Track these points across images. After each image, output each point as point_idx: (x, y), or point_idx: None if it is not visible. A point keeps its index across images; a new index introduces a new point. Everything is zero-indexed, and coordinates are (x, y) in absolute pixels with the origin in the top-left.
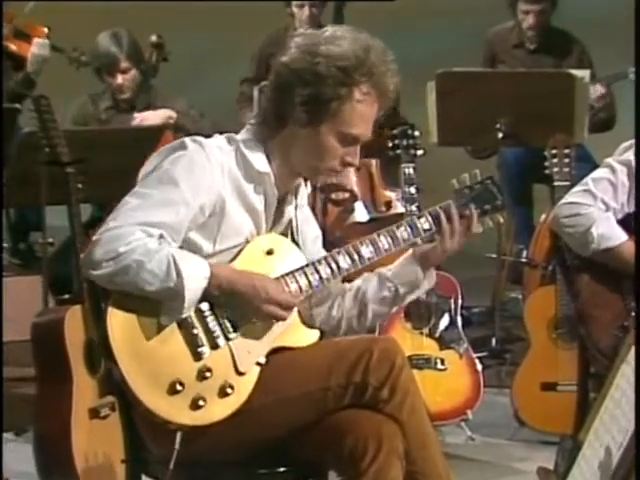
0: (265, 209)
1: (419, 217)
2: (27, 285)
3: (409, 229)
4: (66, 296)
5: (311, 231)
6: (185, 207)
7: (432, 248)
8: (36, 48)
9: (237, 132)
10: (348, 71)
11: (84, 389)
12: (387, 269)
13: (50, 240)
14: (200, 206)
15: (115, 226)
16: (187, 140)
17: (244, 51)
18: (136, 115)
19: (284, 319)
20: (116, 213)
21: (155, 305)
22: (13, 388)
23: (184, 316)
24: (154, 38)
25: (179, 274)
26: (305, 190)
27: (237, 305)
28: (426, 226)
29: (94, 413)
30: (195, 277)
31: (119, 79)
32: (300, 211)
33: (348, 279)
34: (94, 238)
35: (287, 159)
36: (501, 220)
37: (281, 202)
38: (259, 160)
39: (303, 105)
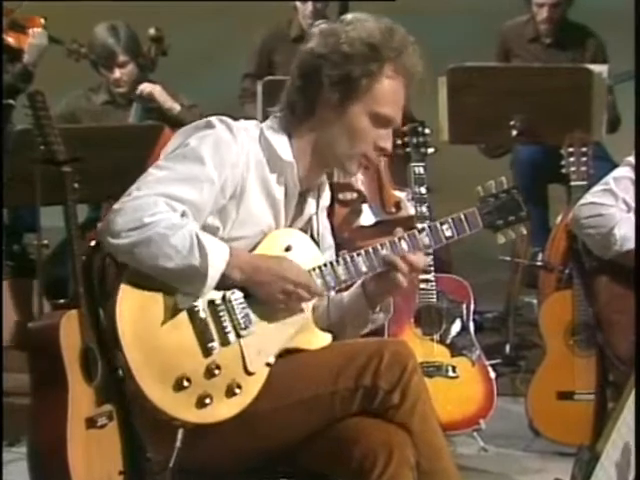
0: (285, 201)
1: (441, 223)
2: (21, 289)
3: (430, 234)
4: (62, 301)
5: (327, 239)
6: (210, 186)
7: (378, 282)
8: (33, 38)
9: None
10: (376, 47)
11: (80, 398)
12: (340, 295)
13: (45, 242)
14: (222, 186)
15: (139, 195)
16: (214, 119)
17: (244, 45)
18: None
19: (307, 300)
20: (139, 183)
21: (170, 289)
22: (7, 396)
23: (198, 302)
24: (152, 31)
25: (203, 251)
26: (328, 192)
27: (256, 290)
28: (448, 233)
29: (91, 423)
30: (218, 257)
31: (116, 73)
32: (321, 214)
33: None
34: (115, 206)
35: (314, 149)
36: (524, 232)
37: (302, 197)
38: (283, 148)
39: (333, 85)
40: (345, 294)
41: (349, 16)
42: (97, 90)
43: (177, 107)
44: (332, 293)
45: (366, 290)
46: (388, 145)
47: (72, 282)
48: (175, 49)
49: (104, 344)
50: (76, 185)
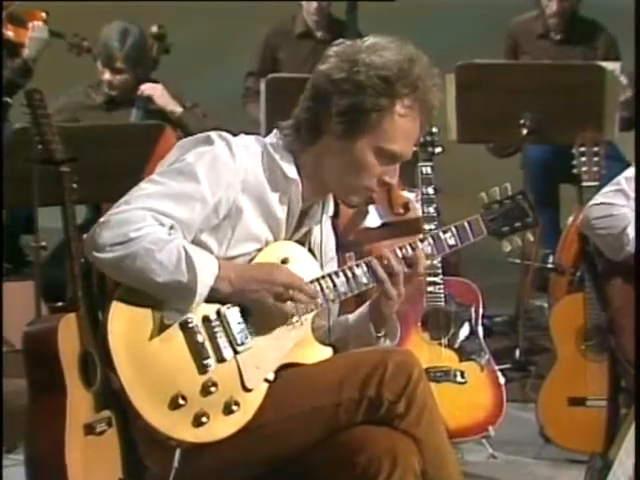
0: (287, 219)
1: (444, 231)
2: (18, 291)
3: (432, 243)
4: (60, 303)
5: (330, 252)
6: (202, 205)
7: (378, 298)
8: (34, 32)
9: (242, 131)
10: (390, 81)
11: (79, 403)
12: (346, 316)
13: (43, 243)
14: (215, 206)
15: (126, 209)
16: (214, 135)
17: (248, 42)
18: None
19: (302, 301)
20: (129, 196)
21: (161, 305)
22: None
23: (192, 318)
24: (155, 29)
25: (190, 266)
26: (332, 203)
27: (248, 300)
28: (451, 242)
29: (89, 429)
30: (206, 271)
31: (107, 75)
32: (324, 224)
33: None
34: (101, 219)
35: (318, 174)
36: (531, 238)
37: (304, 213)
38: (288, 166)
39: (340, 116)
40: (350, 315)
41: (369, 40)
42: (97, 87)
43: (179, 109)
44: (335, 310)
45: (369, 306)
46: (394, 180)
47: (70, 285)
48: (178, 47)
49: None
50: (74, 185)
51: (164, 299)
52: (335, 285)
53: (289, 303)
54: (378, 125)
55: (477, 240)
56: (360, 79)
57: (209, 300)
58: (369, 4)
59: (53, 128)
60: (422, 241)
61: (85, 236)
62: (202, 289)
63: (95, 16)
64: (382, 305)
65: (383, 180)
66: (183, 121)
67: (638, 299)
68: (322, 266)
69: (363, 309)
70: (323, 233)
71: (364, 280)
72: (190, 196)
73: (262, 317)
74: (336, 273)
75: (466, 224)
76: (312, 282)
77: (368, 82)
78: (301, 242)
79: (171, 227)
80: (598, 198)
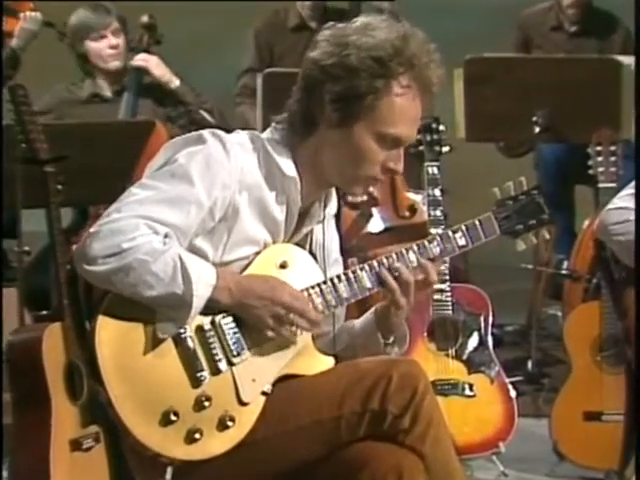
0: (286, 220)
1: (454, 231)
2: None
3: (442, 244)
4: (44, 312)
5: (333, 253)
6: (197, 208)
7: (387, 306)
8: (25, 22)
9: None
10: (384, 61)
11: (64, 418)
12: (353, 322)
13: (26, 248)
14: (211, 208)
15: (118, 218)
16: (206, 133)
17: (241, 36)
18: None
19: (302, 327)
20: (119, 204)
21: (153, 316)
22: None
23: (185, 328)
24: (145, 19)
25: (187, 278)
26: (335, 199)
27: (245, 314)
28: (462, 242)
29: (76, 445)
30: (203, 283)
31: (112, 40)
32: (327, 224)
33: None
34: (92, 230)
35: (318, 168)
36: (547, 236)
37: (304, 212)
38: (286, 162)
39: (334, 103)
40: (356, 321)
41: (360, 20)
42: (80, 83)
43: (176, 81)
44: (341, 315)
45: (376, 314)
46: (399, 166)
47: (55, 292)
48: (169, 38)
49: None
50: (60, 186)
51: (157, 311)
52: (337, 291)
53: (288, 326)
54: (375, 108)
55: (489, 239)
56: (352, 62)
57: (205, 311)
58: None
59: (38, 125)
60: (430, 242)
61: (74, 248)
62: (198, 302)
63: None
64: (391, 314)
65: (387, 167)
66: (180, 93)
67: (638, 300)
68: (325, 269)
69: (370, 315)
70: (325, 233)
71: (368, 285)
72: (184, 200)
73: (259, 329)
74: (338, 278)
75: (477, 223)
76: (313, 288)
77: (360, 65)
78: (302, 244)
79: (166, 235)
80: (615, 202)
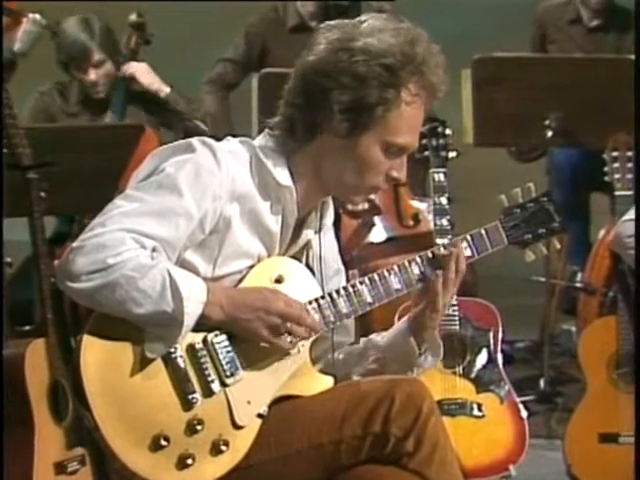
0: (281, 231)
1: (461, 240)
2: None
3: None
4: (27, 327)
5: (333, 264)
6: (186, 220)
7: (422, 311)
8: (28, 24)
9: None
10: (394, 69)
11: (48, 440)
12: (381, 335)
13: (8, 259)
14: (201, 220)
15: (103, 232)
16: (195, 142)
17: (233, 35)
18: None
19: (300, 335)
20: (104, 217)
21: (142, 335)
22: None
23: (175, 347)
24: (134, 17)
25: (176, 295)
26: (332, 209)
27: (239, 329)
28: (467, 253)
29: (60, 468)
30: (193, 300)
31: (92, 75)
32: (324, 234)
33: None
34: (74, 244)
35: (316, 177)
36: (557, 246)
37: (300, 222)
38: (280, 171)
39: (343, 113)
40: (379, 337)
41: (363, 21)
42: (68, 87)
43: (166, 89)
44: (351, 327)
45: (410, 321)
46: (402, 175)
47: (39, 306)
48: (159, 37)
49: None
50: (43, 194)
51: (146, 329)
52: (336, 306)
53: (285, 336)
54: (384, 119)
55: (496, 250)
56: (361, 70)
57: (197, 328)
58: None
59: (20, 129)
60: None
61: (56, 263)
62: (189, 320)
63: (80, 11)
64: (426, 318)
65: (390, 176)
66: (171, 103)
67: (638, 300)
68: (323, 282)
69: (401, 324)
70: (322, 244)
71: (369, 299)
72: (173, 211)
73: (254, 347)
74: (337, 292)
75: (483, 232)
76: (310, 303)
77: (370, 73)
78: (298, 256)
79: (153, 249)
80: (631, 213)
